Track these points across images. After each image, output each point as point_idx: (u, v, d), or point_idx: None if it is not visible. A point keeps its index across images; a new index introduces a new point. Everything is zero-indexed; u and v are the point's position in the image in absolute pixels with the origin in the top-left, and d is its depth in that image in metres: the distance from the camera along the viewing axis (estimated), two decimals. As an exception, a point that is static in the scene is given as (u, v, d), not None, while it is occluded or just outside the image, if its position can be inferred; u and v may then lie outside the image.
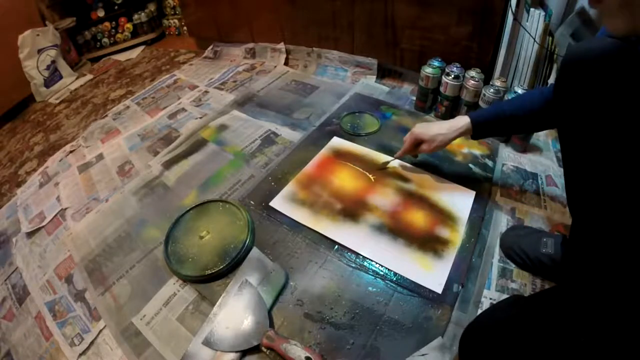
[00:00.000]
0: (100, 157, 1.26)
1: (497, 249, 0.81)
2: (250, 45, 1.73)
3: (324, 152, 1.07)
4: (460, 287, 0.73)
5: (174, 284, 0.80)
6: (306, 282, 0.76)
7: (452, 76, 1.09)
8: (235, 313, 0.70)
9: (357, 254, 0.80)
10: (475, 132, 0.82)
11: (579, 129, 0.50)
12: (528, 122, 0.77)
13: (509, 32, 1.08)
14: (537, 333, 0.50)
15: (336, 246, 0.82)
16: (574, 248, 0.68)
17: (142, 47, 2.16)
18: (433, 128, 0.87)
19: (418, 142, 0.89)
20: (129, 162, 1.20)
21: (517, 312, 0.56)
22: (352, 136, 1.13)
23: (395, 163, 1.01)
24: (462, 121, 0.82)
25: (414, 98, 1.27)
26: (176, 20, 2.22)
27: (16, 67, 1.74)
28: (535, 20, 1.04)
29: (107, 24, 2.12)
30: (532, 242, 0.76)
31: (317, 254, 0.81)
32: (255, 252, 0.81)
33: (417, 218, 0.87)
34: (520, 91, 1.00)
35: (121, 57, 2.10)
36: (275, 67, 1.62)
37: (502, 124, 0.79)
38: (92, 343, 0.74)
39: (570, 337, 0.48)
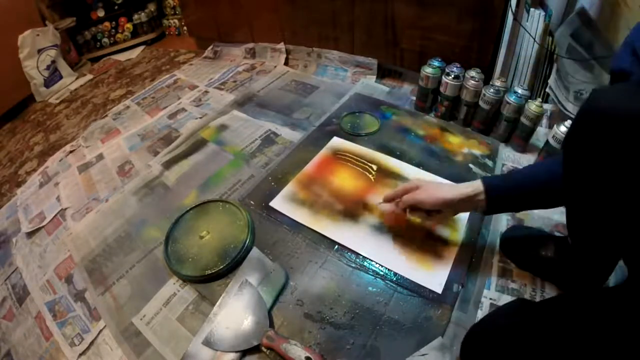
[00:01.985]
0: (100, 157, 1.26)
1: (497, 249, 0.81)
2: (250, 45, 1.73)
3: (324, 152, 1.07)
4: (460, 287, 0.73)
5: (174, 284, 0.80)
6: (306, 282, 0.76)
7: (452, 76, 1.09)
8: (235, 313, 0.70)
9: (357, 254, 0.80)
10: (491, 206, 0.66)
11: (592, 186, 0.45)
12: (557, 196, 0.62)
13: (509, 32, 1.08)
14: (543, 343, 0.49)
15: (336, 246, 0.82)
16: (575, 261, 0.68)
17: (142, 47, 2.16)
18: (437, 192, 0.70)
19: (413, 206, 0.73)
20: (129, 162, 1.20)
21: (523, 320, 0.55)
22: (352, 136, 1.13)
23: (395, 163, 1.01)
24: (474, 190, 0.66)
25: (414, 98, 1.27)
26: (176, 20, 2.22)
27: (16, 67, 1.73)
28: (535, 20, 1.04)
29: (107, 24, 2.12)
30: (532, 242, 0.76)
31: (317, 254, 0.81)
32: (255, 252, 0.81)
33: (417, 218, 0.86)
34: (520, 91, 1.00)
35: (121, 57, 2.10)
36: (275, 67, 1.62)
37: (526, 199, 0.65)
38: (92, 343, 0.74)
39: (576, 348, 0.48)
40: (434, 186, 0.72)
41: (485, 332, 0.58)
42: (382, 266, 0.78)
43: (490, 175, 0.98)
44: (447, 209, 0.70)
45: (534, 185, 0.62)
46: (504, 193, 0.65)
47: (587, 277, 0.68)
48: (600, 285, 0.69)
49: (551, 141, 0.93)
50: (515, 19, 1.05)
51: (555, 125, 0.92)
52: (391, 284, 0.75)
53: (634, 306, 0.46)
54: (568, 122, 0.90)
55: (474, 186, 0.66)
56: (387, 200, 0.78)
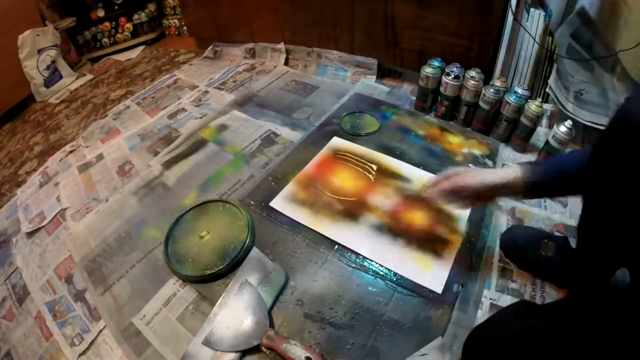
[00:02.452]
0: (100, 157, 1.26)
1: (497, 249, 0.81)
2: (250, 45, 1.73)
3: (324, 152, 1.07)
4: (460, 287, 0.73)
5: (174, 284, 0.80)
6: (306, 282, 0.76)
7: (452, 76, 1.09)
8: (235, 313, 0.70)
9: (357, 254, 0.80)
10: (530, 191, 0.65)
11: (614, 191, 0.46)
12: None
13: (509, 32, 1.08)
14: (546, 349, 0.49)
15: (336, 246, 0.82)
16: (578, 263, 0.68)
17: (142, 47, 2.16)
18: (479, 176, 0.69)
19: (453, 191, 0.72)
20: (129, 162, 1.20)
21: (526, 325, 0.54)
22: (352, 136, 1.13)
23: (395, 163, 1.01)
24: (513, 173, 0.65)
25: (414, 98, 1.27)
26: (176, 20, 2.22)
27: (16, 67, 1.73)
28: (535, 20, 1.04)
29: (107, 24, 2.12)
30: (532, 242, 0.76)
31: (317, 254, 0.81)
32: (255, 252, 0.81)
33: (417, 218, 0.87)
34: (520, 91, 1.00)
35: (121, 57, 2.10)
36: (275, 67, 1.62)
37: (564, 185, 0.64)
38: (92, 343, 0.74)
39: (579, 353, 0.47)
40: (474, 171, 0.72)
41: (489, 336, 0.58)
42: (382, 266, 0.78)
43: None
44: (487, 192, 0.69)
45: (572, 173, 0.61)
46: (543, 179, 0.64)
47: (587, 278, 0.68)
48: (600, 285, 0.68)
49: (551, 141, 0.93)
50: (515, 19, 1.05)
51: (555, 125, 0.92)
52: (391, 284, 0.75)
53: (636, 312, 0.46)
54: (568, 122, 0.90)
55: (514, 170, 0.66)
56: (431, 187, 0.76)
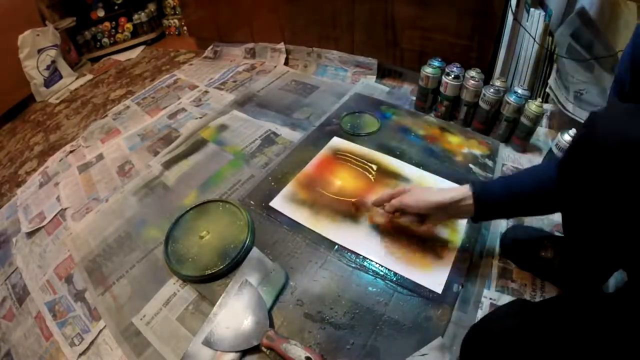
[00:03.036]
0: (100, 157, 1.26)
1: (497, 249, 0.81)
2: (250, 45, 1.73)
3: (324, 152, 1.07)
4: (460, 287, 0.73)
5: (174, 284, 0.80)
6: (306, 282, 0.76)
7: (452, 76, 1.09)
8: (235, 313, 0.70)
9: (357, 254, 0.80)
10: (479, 212, 0.65)
11: (588, 205, 0.46)
12: (546, 203, 0.61)
13: (509, 32, 1.08)
14: (543, 346, 0.49)
15: (336, 246, 0.82)
16: (570, 260, 0.69)
17: (142, 47, 2.16)
18: (424, 196, 0.70)
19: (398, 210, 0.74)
20: (129, 162, 1.20)
21: (523, 322, 0.55)
22: (352, 136, 1.13)
23: (395, 163, 1.01)
24: (462, 194, 0.65)
25: (414, 98, 1.27)
26: (176, 20, 2.22)
27: (16, 67, 1.73)
28: (535, 20, 1.04)
29: (107, 24, 2.12)
30: (532, 242, 0.76)
31: (317, 254, 0.81)
32: (255, 252, 0.81)
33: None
34: (520, 91, 1.00)
35: (121, 57, 2.10)
36: (275, 67, 1.62)
37: (516, 206, 0.63)
38: (92, 343, 0.74)
39: (576, 350, 0.48)
40: (421, 190, 0.72)
41: (485, 333, 0.58)
42: (382, 266, 0.78)
43: (488, 176, 0.98)
44: (434, 212, 0.69)
45: (524, 192, 0.61)
46: (492, 199, 0.64)
47: (587, 278, 0.68)
48: (599, 285, 0.69)
49: (554, 150, 0.91)
50: (515, 19, 1.05)
51: (559, 134, 0.90)
52: (391, 284, 0.75)
53: (633, 309, 0.47)
54: (572, 131, 0.89)
55: (462, 191, 0.65)
56: (376, 204, 0.79)
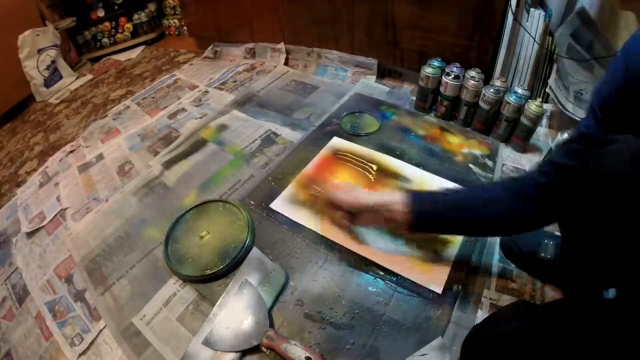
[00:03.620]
0: (100, 157, 1.26)
1: (497, 249, 0.81)
2: (250, 45, 1.73)
3: (324, 152, 1.07)
4: (460, 287, 0.73)
5: (174, 284, 0.80)
6: (306, 282, 0.76)
7: (452, 76, 1.09)
8: (235, 313, 0.70)
9: (357, 254, 0.80)
10: (412, 221, 0.63)
11: (589, 232, 0.48)
12: (486, 226, 0.62)
13: (509, 32, 1.08)
14: (545, 351, 0.49)
15: (336, 246, 0.82)
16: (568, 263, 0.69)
17: (142, 47, 2.16)
18: (357, 194, 0.72)
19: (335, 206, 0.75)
20: (129, 162, 1.20)
21: (525, 326, 0.54)
22: (352, 136, 1.13)
23: (395, 163, 1.01)
24: (393, 199, 0.64)
25: (414, 98, 1.27)
26: (176, 20, 2.22)
27: (16, 67, 1.73)
28: (535, 20, 1.04)
29: (107, 24, 2.12)
30: (532, 242, 0.76)
31: (317, 254, 0.81)
32: (255, 252, 0.81)
33: (417, 218, 0.86)
34: (520, 91, 1.00)
35: (121, 57, 2.10)
36: (275, 67, 1.62)
37: (449, 222, 0.63)
38: (92, 343, 0.74)
39: (578, 355, 0.48)
40: (358, 189, 0.74)
41: (487, 336, 0.58)
42: (382, 266, 0.77)
43: (488, 176, 0.98)
44: (364, 212, 0.70)
45: (462, 208, 0.61)
46: (429, 208, 0.62)
47: (587, 278, 0.68)
48: (600, 289, 0.68)
49: (554, 149, 0.92)
50: (515, 19, 1.05)
51: (559, 134, 0.91)
52: (391, 284, 0.75)
53: (628, 318, 0.47)
54: (573, 131, 0.89)
55: (394, 196, 0.65)
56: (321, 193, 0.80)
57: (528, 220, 0.59)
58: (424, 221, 0.64)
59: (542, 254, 0.73)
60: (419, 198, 0.63)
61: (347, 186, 0.75)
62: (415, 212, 0.62)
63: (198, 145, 1.19)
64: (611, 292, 0.69)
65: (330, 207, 0.77)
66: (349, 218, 0.74)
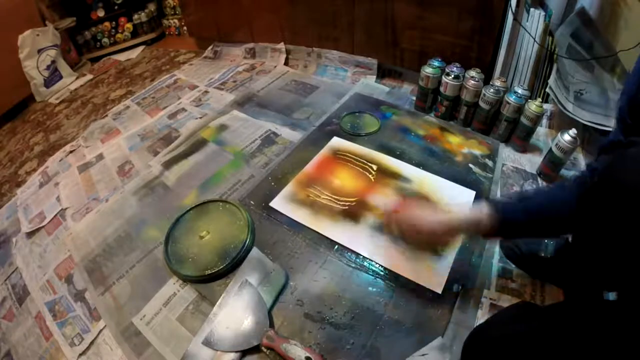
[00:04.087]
0: (100, 157, 1.26)
1: (497, 249, 0.81)
2: (250, 45, 1.73)
3: (324, 152, 1.07)
4: (460, 287, 0.73)
5: (174, 284, 0.80)
6: (306, 282, 0.76)
7: (452, 76, 1.09)
8: (235, 313, 0.70)
9: (357, 254, 0.80)
10: (497, 232, 0.60)
11: (603, 238, 0.48)
12: (560, 227, 0.59)
13: (509, 32, 1.08)
14: (546, 354, 0.49)
15: (336, 246, 0.82)
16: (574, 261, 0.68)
17: (142, 47, 2.16)
18: (436, 216, 0.65)
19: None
20: (129, 162, 1.19)
21: (526, 328, 0.54)
22: (352, 136, 1.13)
23: (395, 163, 1.01)
24: (478, 213, 0.60)
25: (414, 98, 1.27)
26: (176, 20, 2.22)
27: (16, 67, 1.73)
28: (535, 20, 1.04)
29: (107, 24, 2.11)
30: (532, 242, 0.76)
31: (317, 254, 0.81)
32: (255, 252, 0.81)
33: (417, 218, 0.86)
34: (520, 91, 1.00)
35: (121, 57, 2.10)
36: (275, 67, 1.62)
37: (532, 228, 0.60)
38: (92, 343, 0.74)
39: (581, 358, 0.48)
40: (430, 210, 0.68)
41: (487, 337, 0.58)
42: (382, 266, 0.78)
43: (488, 176, 0.98)
44: (445, 233, 0.65)
45: (542, 216, 0.58)
46: (514, 223, 0.59)
47: (590, 279, 0.68)
48: (601, 287, 0.68)
49: (555, 150, 0.92)
50: (515, 19, 1.05)
51: (559, 134, 0.91)
52: (391, 284, 0.75)
53: (629, 321, 0.47)
54: (572, 131, 0.89)
55: (479, 210, 0.60)
56: (387, 216, 0.75)
57: (571, 220, 0.55)
58: (507, 234, 0.63)
59: (542, 254, 0.73)
60: (505, 212, 0.60)
61: (415, 206, 0.68)
62: (504, 228, 0.60)
63: (198, 145, 1.19)
64: (611, 296, 0.69)
65: (407, 232, 0.69)
66: (425, 240, 0.69)
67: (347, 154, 1.06)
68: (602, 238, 0.48)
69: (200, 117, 1.34)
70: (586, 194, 0.49)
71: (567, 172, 0.98)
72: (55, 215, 1.05)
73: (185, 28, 2.10)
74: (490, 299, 0.73)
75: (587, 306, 0.56)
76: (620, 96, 0.53)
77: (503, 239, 0.68)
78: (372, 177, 0.98)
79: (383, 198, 0.92)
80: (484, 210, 0.60)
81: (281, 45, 1.63)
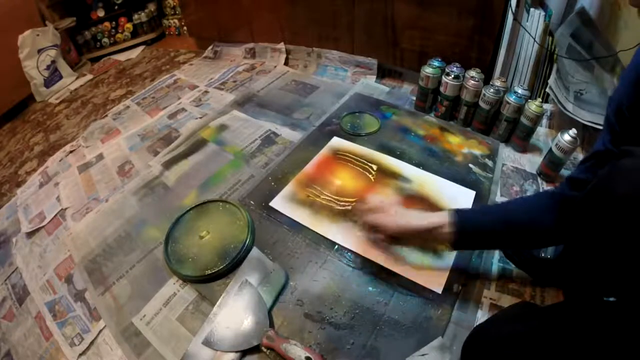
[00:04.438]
0: (100, 157, 1.26)
1: (497, 249, 0.81)
2: (250, 45, 1.73)
3: (324, 152, 1.07)
4: (460, 287, 0.73)
5: (174, 284, 0.80)
6: (306, 282, 0.76)
7: (452, 76, 1.09)
8: (235, 313, 0.70)
9: (357, 254, 0.80)
10: (458, 241, 0.62)
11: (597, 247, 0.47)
12: (536, 237, 0.59)
13: (509, 32, 1.08)
14: (546, 354, 0.49)
15: (336, 246, 0.82)
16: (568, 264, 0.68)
17: (142, 47, 2.16)
18: (402, 218, 0.67)
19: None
20: (129, 162, 1.20)
21: (525, 328, 0.54)
22: (352, 136, 1.13)
23: (395, 163, 1.01)
24: (440, 221, 0.62)
25: (414, 98, 1.27)
26: (176, 20, 2.22)
27: (16, 67, 1.73)
28: (535, 20, 1.04)
29: (107, 24, 2.12)
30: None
31: (317, 254, 0.81)
32: (255, 252, 0.81)
33: (417, 218, 0.86)
34: (520, 91, 1.00)
35: (121, 57, 2.10)
36: (275, 67, 1.62)
37: (496, 238, 0.62)
38: (92, 343, 0.74)
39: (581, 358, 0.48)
40: (400, 212, 0.69)
41: (487, 337, 0.58)
42: (382, 266, 0.77)
43: (488, 176, 0.98)
44: (408, 237, 0.67)
45: (507, 226, 0.59)
46: (473, 229, 0.61)
47: (587, 285, 0.68)
48: (599, 293, 0.68)
49: (554, 150, 0.91)
50: (515, 19, 1.05)
51: (559, 134, 0.91)
52: (391, 284, 0.75)
53: (629, 322, 0.47)
54: (572, 131, 0.89)
55: (441, 216, 0.63)
56: (358, 210, 0.78)
57: (548, 232, 0.57)
58: (469, 242, 0.64)
59: (542, 254, 0.73)
60: (463, 217, 0.62)
61: (381, 205, 0.71)
62: (462, 234, 0.61)
63: (198, 145, 1.19)
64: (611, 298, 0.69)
65: (369, 230, 0.73)
66: (389, 240, 0.71)
67: (347, 154, 1.06)
68: (591, 250, 0.48)
69: (200, 117, 1.34)
70: (574, 207, 0.49)
71: (567, 172, 0.98)
72: (55, 215, 1.05)
73: (185, 28, 2.10)
74: (490, 299, 0.73)
75: (587, 307, 0.56)
76: (609, 102, 0.53)
77: (468, 248, 0.70)
78: (372, 177, 0.98)
79: (383, 198, 0.92)
80: (444, 216, 0.62)
81: (281, 45, 1.63)
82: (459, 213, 0.62)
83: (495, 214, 0.62)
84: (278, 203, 0.92)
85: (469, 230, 0.61)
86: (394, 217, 0.68)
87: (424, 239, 0.68)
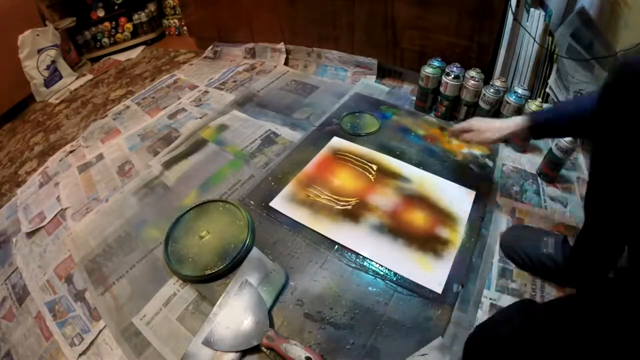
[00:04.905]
0: (100, 157, 1.26)
1: (497, 249, 0.81)
2: (250, 45, 1.73)
3: (324, 152, 1.07)
4: (460, 287, 0.73)
5: (174, 284, 0.80)
6: (306, 282, 0.76)
7: (452, 76, 1.09)
8: (235, 313, 0.70)
9: (357, 254, 0.80)
10: (535, 130, 0.77)
11: (625, 146, 0.48)
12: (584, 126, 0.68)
13: (509, 32, 1.08)
14: (546, 352, 0.49)
15: (336, 246, 0.82)
16: (581, 252, 0.68)
17: (142, 47, 2.16)
18: (490, 124, 0.85)
19: (467, 130, 0.87)
20: (129, 162, 1.20)
21: (526, 327, 0.54)
22: (352, 136, 1.13)
23: (395, 163, 1.01)
24: (516, 120, 0.79)
25: (414, 98, 1.27)
26: (176, 20, 2.22)
27: (16, 67, 1.73)
28: (535, 20, 1.04)
29: (107, 24, 2.12)
30: (532, 241, 0.76)
31: (317, 254, 0.81)
32: (255, 252, 0.81)
33: (417, 218, 0.87)
34: (520, 91, 1.00)
35: (121, 57, 2.10)
36: (275, 67, 1.62)
37: (564, 124, 0.73)
38: (92, 343, 0.74)
39: (580, 356, 0.48)
40: (485, 120, 0.86)
41: (488, 335, 0.58)
42: (382, 266, 0.78)
43: (489, 172, 0.98)
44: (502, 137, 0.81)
45: (569, 117, 0.70)
46: (543, 123, 0.75)
47: (586, 278, 0.68)
48: (600, 282, 0.68)
49: (554, 150, 0.91)
50: (515, 19, 1.05)
51: None
52: (391, 284, 0.75)
53: (630, 317, 0.47)
54: None
55: (518, 121, 0.78)
56: (453, 135, 0.91)
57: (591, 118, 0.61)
58: (542, 132, 0.78)
59: (544, 250, 0.73)
60: (536, 118, 0.76)
61: (468, 125, 0.87)
62: (536, 128, 0.76)
63: (198, 145, 1.19)
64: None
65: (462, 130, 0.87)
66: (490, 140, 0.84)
67: (347, 154, 1.06)
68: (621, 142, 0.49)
69: (200, 117, 1.34)
70: (607, 87, 0.50)
71: (567, 173, 0.98)
72: (55, 215, 1.05)
73: (185, 28, 2.10)
74: (490, 299, 0.73)
75: (588, 303, 0.56)
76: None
77: (542, 136, 0.83)
78: (372, 177, 0.98)
79: (383, 198, 0.92)
80: (519, 120, 0.77)
81: (281, 45, 1.63)
82: (532, 115, 0.77)
83: (558, 111, 0.77)
84: (278, 203, 0.93)
85: (542, 124, 0.75)
86: (483, 120, 0.85)
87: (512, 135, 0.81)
